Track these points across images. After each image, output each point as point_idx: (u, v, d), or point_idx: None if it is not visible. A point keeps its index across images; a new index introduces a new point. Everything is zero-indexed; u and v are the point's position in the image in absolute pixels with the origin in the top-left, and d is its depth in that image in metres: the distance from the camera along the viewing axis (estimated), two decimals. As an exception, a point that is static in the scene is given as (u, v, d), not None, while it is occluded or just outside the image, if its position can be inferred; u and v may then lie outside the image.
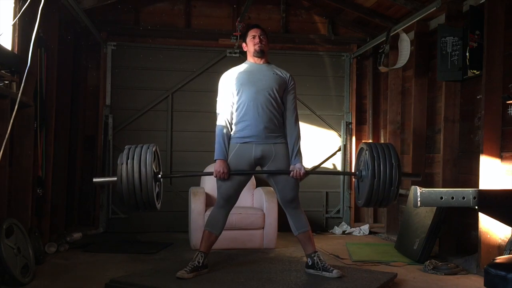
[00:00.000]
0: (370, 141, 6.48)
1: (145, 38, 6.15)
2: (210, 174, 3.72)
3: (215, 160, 3.69)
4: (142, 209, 3.40)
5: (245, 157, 3.67)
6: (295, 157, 3.74)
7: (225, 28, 6.22)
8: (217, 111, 3.77)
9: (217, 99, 3.80)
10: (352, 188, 6.43)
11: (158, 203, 3.47)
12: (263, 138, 3.67)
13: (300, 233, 3.74)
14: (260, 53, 3.78)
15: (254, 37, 3.78)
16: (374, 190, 3.35)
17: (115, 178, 3.36)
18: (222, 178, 3.64)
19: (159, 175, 3.48)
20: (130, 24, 6.13)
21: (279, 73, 3.79)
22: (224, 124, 3.71)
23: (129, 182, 3.29)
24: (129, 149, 3.40)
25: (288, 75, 3.82)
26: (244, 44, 3.89)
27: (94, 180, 3.56)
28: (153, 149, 3.41)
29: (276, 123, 3.70)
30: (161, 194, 3.58)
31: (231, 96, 3.72)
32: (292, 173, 3.64)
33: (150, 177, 3.30)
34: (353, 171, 3.94)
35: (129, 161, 3.32)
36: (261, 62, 3.81)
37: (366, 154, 3.45)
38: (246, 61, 3.87)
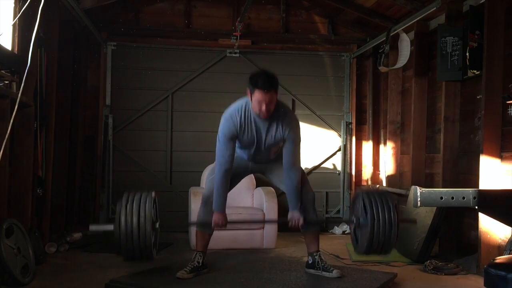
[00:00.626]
0: (370, 141, 6.48)
1: (145, 38, 6.15)
2: (209, 224, 3.62)
3: (214, 211, 3.58)
4: (138, 259, 3.41)
5: (242, 167, 3.72)
6: (294, 205, 3.58)
7: (225, 28, 6.22)
8: (217, 157, 3.52)
9: (218, 143, 3.52)
10: (352, 188, 6.44)
11: (155, 251, 3.49)
12: (260, 162, 3.74)
13: (309, 231, 3.74)
14: (265, 118, 3.44)
15: (259, 103, 3.33)
16: (375, 233, 3.34)
17: (112, 226, 3.37)
18: (219, 228, 3.62)
19: (157, 225, 3.49)
20: (130, 24, 6.13)
21: (282, 128, 3.47)
22: (224, 176, 3.50)
23: (127, 236, 3.30)
24: (127, 198, 3.40)
25: (288, 129, 3.47)
26: (248, 91, 3.42)
27: (91, 227, 3.59)
28: (152, 199, 3.41)
29: (274, 154, 3.69)
30: (157, 242, 3.58)
31: (234, 146, 3.52)
32: (290, 223, 3.58)
33: (149, 233, 3.32)
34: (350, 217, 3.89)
35: (127, 214, 3.32)
36: (266, 116, 3.46)
37: (362, 200, 3.43)
38: (251, 107, 3.44)
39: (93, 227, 3.60)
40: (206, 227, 3.71)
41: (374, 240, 3.37)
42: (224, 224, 3.57)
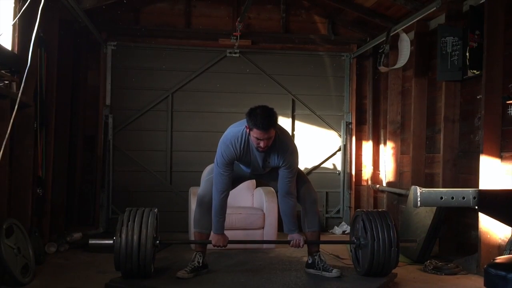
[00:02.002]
0: (370, 141, 6.48)
1: (145, 38, 6.15)
2: (209, 242, 3.67)
3: (214, 233, 3.64)
4: (135, 275, 3.43)
5: (241, 172, 3.75)
6: (292, 228, 3.65)
7: (225, 28, 6.22)
8: (215, 180, 3.56)
9: (216, 168, 3.56)
10: (352, 188, 6.44)
11: (153, 267, 3.52)
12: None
13: (310, 231, 3.75)
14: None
15: (257, 140, 3.38)
16: (375, 252, 3.45)
17: (112, 242, 3.40)
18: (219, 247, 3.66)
19: (157, 241, 3.52)
20: (130, 24, 6.13)
21: (279, 157, 3.51)
22: (222, 199, 3.57)
23: (127, 255, 3.34)
24: (129, 215, 3.43)
25: (284, 157, 3.50)
26: (247, 127, 3.42)
27: (91, 242, 3.61)
28: (154, 216, 3.44)
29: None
30: (155, 258, 3.62)
31: (231, 169, 3.57)
32: (291, 243, 3.64)
33: (150, 253, 3.35)
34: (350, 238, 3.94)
35: (128, 232, 3.36)
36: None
37: (364, 223, 3.52)
38: (250, 138, 3.46)
39: (92, 242, 3.61)
40: (203, 225, 3.74)
41: (374, 261, 3.49)
42: (225, 245, 3.65)
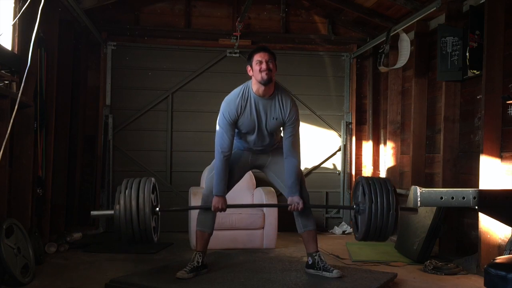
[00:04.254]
0: (370, 141, 6.48)
1: (145, 38, 6.15)
2: (209, 207, 3.65)
3: (214, 195, 3.62)
4: (138, 242, 3.41)
5: (241, 160, 3.75)
6: (294, 189, 3.62)
7: (225, 28, 6.22)
8: (216, 143, 3.57)
9: (218, 128, 3.58)
10: (352, 188, 6.43)
11: (156, 236, 3.49)
12: (260, 151, 3.75)
13: (306, 231, 3.74)
14: (267, 82, 3.46)
15: (260, 62, 3.43)
16: (373, 215, 3.33)
17: (112, 212, 3.38)
18: (219, 211, 3.65)
19: (157, 209, 3.49)
20: (130, 24, 6.13)
21: (281, 109, 3.53)
22: (223, 160, 3.56)
23: (127, 220, 3.31)
24: (127, 184, 3.41)
25: (287, 112, 3.53)
26: (249, 68, 3.53)
27: (92, 213, 3.59)
28: (151, 184, 3.41)
29: (274, 142, 3.74)
30: (158, 227, 3.58)
31: (233, 131, 3.57)
32: (290, 207, 3.62)
33: (148, 216, 3.32)
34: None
35: (126, 198, 3.32)
36: (266, 96, 3.53)
37: (364, 188, 3.44)
38: (250, 88, 3.54)
39: (94, 213, 3.60)
40: (206, 225, 3.73)
41: (372, 224, 3.34)
42: (224, 208, 3.62)
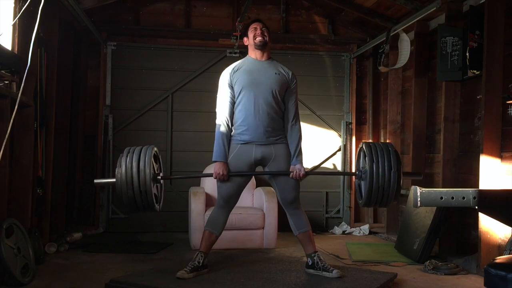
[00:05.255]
0: (370, 140, 6.48)
1: (145, 38, 6.15)
2: (210, 175, 3.69)
3: (214, 161, 3.67)
4: (141, 210, 3.39)
5: (245, 158, 3.67)
6: (296, 158, 3.71)
7: (225, 28, 6.22)
8: (217, 109, 3.72)
9: (218, 95, 3.75)
10: (352, 188, 6.44)
11: (159, 205, 3.46)
12: (263, 140, 3.66)
13: (300, 233, 3.73)
14: (262, 46, 3.70)
15: (255, 29, 3.71)
16: (374, 175, 3.26)
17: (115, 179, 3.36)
18: (221, 179, 3.63)
19: (159, 177, 3.46)
20: (130, 24, 6.13)
21: (281, 71, 3.74)
22: (224, 124, 3.66)
23: (128, 183, 3.28)
24: (129, 150, 3.40)
25: (290, 73, 3.76)
26: (245, 39, 3.79)
27: (95, 181, 3.59)
28: (153, 150, 3.39)
29: (277, 124, 3.70)
30: (162, 195, 3.57)
31: (232, 95, 3.69)
32: (292, 173, 3.64)
33: (149, 178, 3.28)
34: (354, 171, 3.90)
35: (128, 162, 3.31)
36: (263, 58, 3.75)
37: (365, 151, 3.39)
38: (248, 56, 3.79)
39: (97, 181, 3.60)
40: (215, 226, 3.71)
41: (374, 185, 3.28)
42: (226, 174, 3.60)
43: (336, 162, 6.45)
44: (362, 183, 3.46)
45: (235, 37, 6.01)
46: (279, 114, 3.70)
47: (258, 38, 3.68)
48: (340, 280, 3.55)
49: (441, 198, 2.09)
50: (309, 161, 6.31)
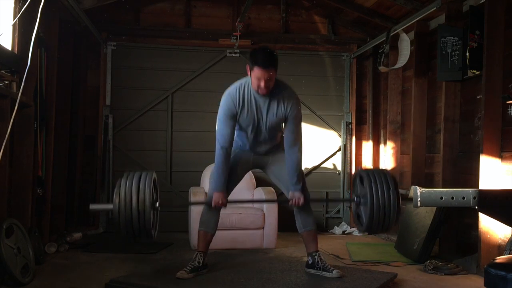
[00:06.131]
0: (370, 141, 6.48)
1: (145, 38, 6.15)
2: (209, 203, 3.63)
3: (214, 191, 3.60)
4: (137, 237, 3.38)
5: (243, 159, 3.74)
6: (295, 184, 3.59)
7: (225, 28, 6.22)
8: (217, 135, 3.55)
9: (218, 119, 3.56)
10: (352, 188, 6.43)
11: (155, 232, 3.46)
12: (261, 153, 3.76)
13: (305, 231, 3.74)
14: (264, 95, 3.48)
15: (259, 79, 3.37)
16: (375, 202, 3.27)
17: (112, 206, 3.36)
18: (220, 207, 3.63)
19: (157, 204, 3.46)
20: (130, 24, 6.13)
21: (282, 106, 3.51)
22: (224, 154, 3.53)
23: (126, 209, 3.27)
24: (127, 175, 3.39)
25: (289, 106, 3.51)
26: (248, 68, 3.47)
27: (91, 207, 3.55)
28: (152, 177, 3.39)
29: (276, 142, 3.74)
30: (157, 221, 3.53)
31: (234, 125, 3.54)
32: (290, 201, 3.60)
33: (149, 207, 3.28)
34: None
35: (127, 188, 3.29)
36: (266, 93, 3.50)
37: (361, 176, 3.41)
38: (251, 84, 3.49)
39: (93, 207, 3.56)
40: (209, 225, 3.71)
41: (374, 216, 3.27)
42: (225, 203, 3.60)
43: (336, 162, 6.45)
44: (362, 208, 3.43)
45: (235, 37, 6.01)
46: (279, 134, 3.73)
47: (260, 91, 3.43)
48: (340, 280, 3.55)
49: (441, 198, 2.10)
50: (309, 161, 6.31)
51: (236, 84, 3.59)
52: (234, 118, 3.52)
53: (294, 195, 3.59)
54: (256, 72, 3.36)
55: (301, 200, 3.56)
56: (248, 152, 3.77)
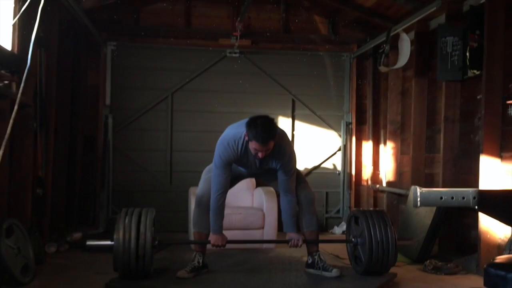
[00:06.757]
0: (370, 141, 6.48)
1: (145, 38, 6.15)
2: (208, 242, 3.66)
3: (212, 233, 3.63)
4: (134, 276, 3.42)
5: (237, 173, 3.78)
6: (290, 226, 3.69)
7: (225, 28, 6.22)
8: (213, 181, 3.58)
9: (215, 165, 3.58)
10: (352, 188, 6.44)
11: (151, 268, 3.52)
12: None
13: (308, 230, 3.77)
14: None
15: (255, 151, 3.40)
16: (374, 250, 3.46)
17: (111, 242, 3.39)
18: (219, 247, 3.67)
19: (156, 242, 3.50)
20: (130, 24, 6.13)
21: (277, 158, 3.54)
22: (220, 199, 3.58)
23: (125, 251, 3.32)
24: (126, 212, 3.42)
25: (285, 156, 3.54)
26: (246, 134, 3.43)
27: (88, 243, 3.59)
28: (152, 216, 3.43)
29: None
30: (153, 258, 3.58)
31: (230, 168, 3.60)
32: (290, 243, 3.67)
33: (149, 245, 3.34)
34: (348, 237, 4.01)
35: (126, 227, 3.35)
36: None
37: (356, 215, 3.57)
38: (248, 142, 3.46)
39: (90, 244, 3.60)
40: (202, 226, 3.74)
41: (373, 259, 3.50)
42: (224, 244, 3.64)
43: (336, 162, 6.45)
44: (360, 250, 3.61)
45: (235, 37, 6.01)
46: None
47: (259, 158, 3.46)
48: (340, 280, 3.56)
49: (441, 198, 2.09)
50: (309, 161, 6.31)
51: (234, 133, 3.55)
52: (231, 164, 3.60)
53: (293, 237, 3.68)
54: (254, 144, 3.37)
55: (300, 242, 3.66)
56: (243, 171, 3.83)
